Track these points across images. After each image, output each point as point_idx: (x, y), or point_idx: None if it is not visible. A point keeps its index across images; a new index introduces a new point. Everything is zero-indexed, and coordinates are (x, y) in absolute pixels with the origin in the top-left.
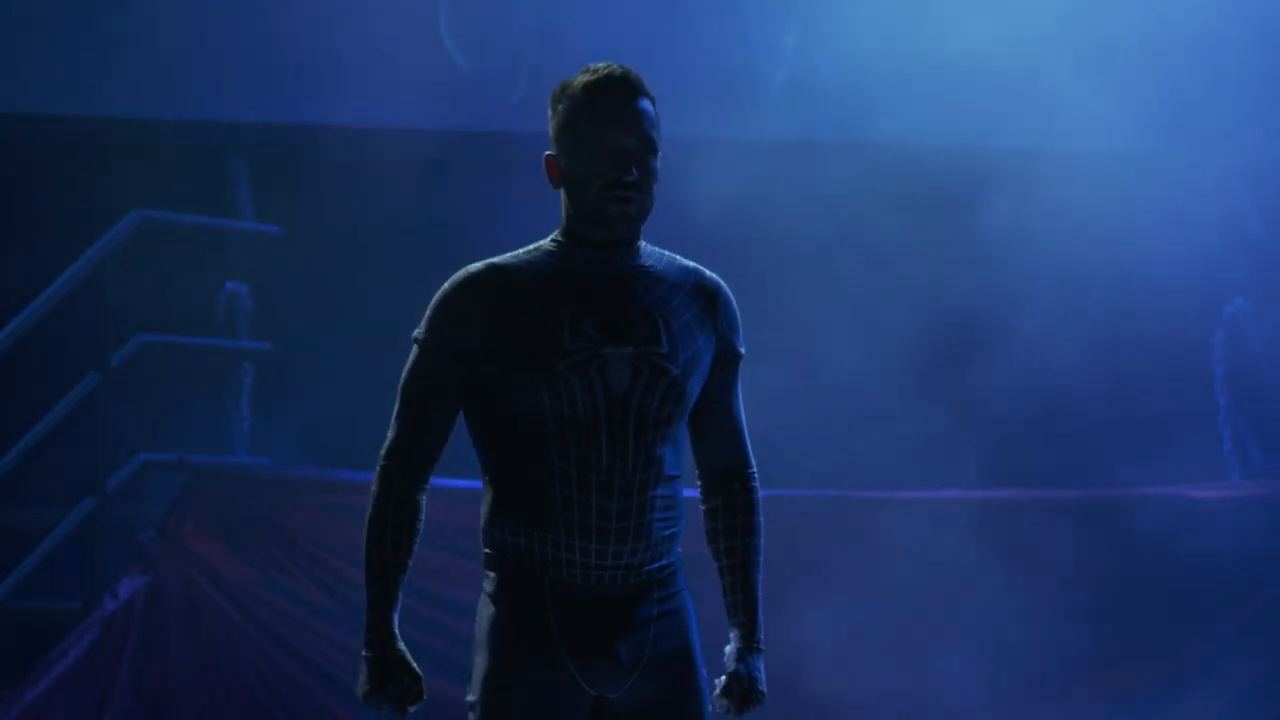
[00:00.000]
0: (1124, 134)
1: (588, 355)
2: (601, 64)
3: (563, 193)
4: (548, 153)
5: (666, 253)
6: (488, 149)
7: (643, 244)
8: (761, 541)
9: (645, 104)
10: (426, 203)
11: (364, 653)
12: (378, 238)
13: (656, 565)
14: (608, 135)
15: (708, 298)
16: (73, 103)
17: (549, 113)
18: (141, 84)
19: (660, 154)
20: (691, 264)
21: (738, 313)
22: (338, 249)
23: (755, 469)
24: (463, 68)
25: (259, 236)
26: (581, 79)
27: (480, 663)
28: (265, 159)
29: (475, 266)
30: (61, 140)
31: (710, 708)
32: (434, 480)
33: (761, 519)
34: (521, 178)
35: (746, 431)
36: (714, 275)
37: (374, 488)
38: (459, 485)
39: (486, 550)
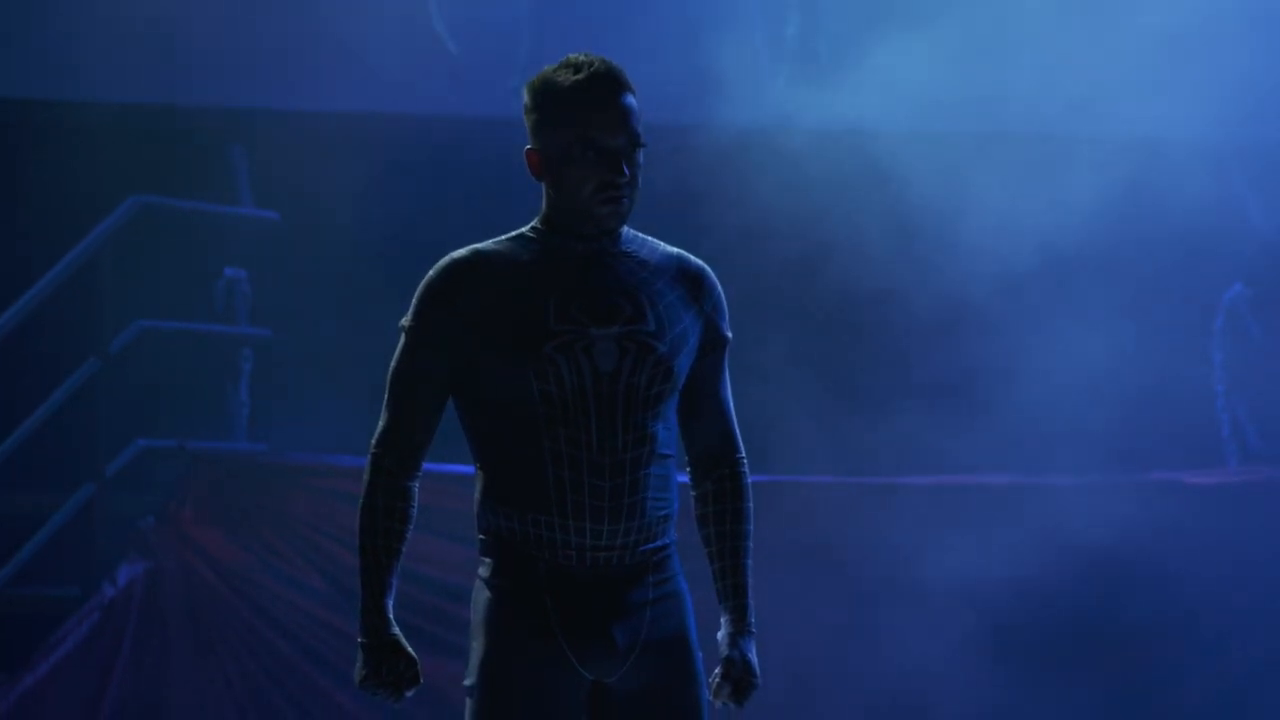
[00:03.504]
0: (1122, 120)
1: (573, 336)
2: (581, 58)
3: (546, 186)
4: (528, 146)
5: (649, 238)
6: (485, 134)
7: (625, 229)
8: (752, 526)
9: (630, 99)
10: (425, 189)
11: (359, 639)
12: (376, 224)
13: (651, 546)
14: (598, 137)
15: (692, 281)
16: (72, 88)
17: (525, 103)
18: (140, 70)
19: (645, 145)
20: (675, 249)
21: (723, 296)
22: (336, 235)
23: (744, 454)
24: (458, 54)
25: (258, 222)
26: (564, 76)
27: (477, 647)
28: (264, 145)
29: (459, 252)
30: (60, 126)
31: (707, 694)
32: (433, 466)
33: (751, 504)
34: (519, 163)
35: (734, 416)
36: (698, 259)
37: (366, 476)
38: (457, 470)
39: (481, 535)
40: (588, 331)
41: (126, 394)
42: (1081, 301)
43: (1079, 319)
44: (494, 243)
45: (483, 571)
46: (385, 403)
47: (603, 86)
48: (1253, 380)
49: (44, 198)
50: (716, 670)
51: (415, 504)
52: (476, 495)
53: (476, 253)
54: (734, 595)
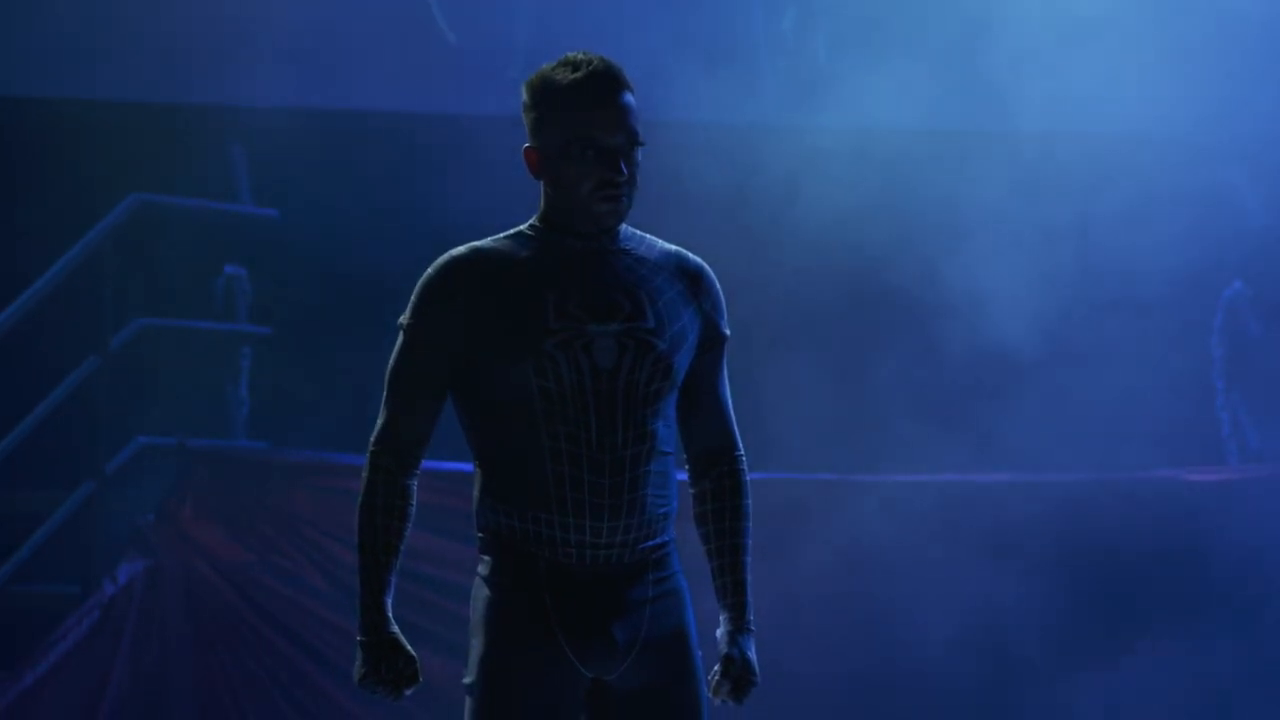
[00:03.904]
0: (1120, 117)
1: (572, 333)
2: (580, 56)
3: (544, 184)
4: (526, 145)
5: (647, 236)
6: (485, 132)
7: (623, 227)
8: (750, 524)
9: (629, 97)
10: (425, 187)
11: (358, 637)
12: (376, 222)
13: (651, 543)
14: (596, 135)
15: (691, 279)
16: (72, 86)
17: (524, 101)
18: (140, 68)
19: (643, 144)
20: (673, 247)
21: (721, 294)
22: (336, 233)
23: (743, 451)
24: (458, 54)
25: (258, 220)
26: (563, 75)
27: (476, 646)
28: (264, 143)
29: (458, 250)
30: (61, 124)
31: (706, 692)
32: (432, 464)
33: (750, 501)
34: (519, 161)
35: (733, 414)
36: (696, 257)
37: (365, 474)
38: (456, 468)
39: (480, 533)
40: (587, 329)
41: (126, 392)
42: (1080, 299)
43: (1078, 318)
44: (492, 240)
45: (482, 569)
46: (384, 400)
47: (601, 85)
48: (1253, 377)
49: (43, 196)
50: (716, 668)
51: (414, 502)
52: (475, 493)
53: (475, 250)
54: (733, 593)
